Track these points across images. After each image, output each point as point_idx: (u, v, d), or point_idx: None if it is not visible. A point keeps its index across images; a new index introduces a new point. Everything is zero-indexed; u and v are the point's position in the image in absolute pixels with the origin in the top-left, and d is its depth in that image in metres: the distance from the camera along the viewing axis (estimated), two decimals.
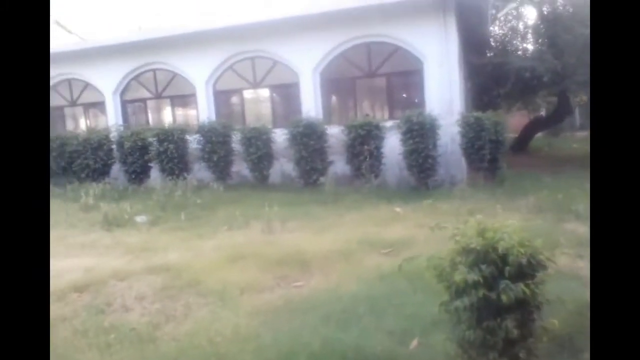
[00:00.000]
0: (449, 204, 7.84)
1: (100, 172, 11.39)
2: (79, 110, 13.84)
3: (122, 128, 11.60)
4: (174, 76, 12.54)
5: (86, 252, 5.54)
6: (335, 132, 9.89)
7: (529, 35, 17.33)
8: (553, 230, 5.51)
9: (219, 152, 10.32)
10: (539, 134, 20.69)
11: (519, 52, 16.49)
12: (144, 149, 10.81)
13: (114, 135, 11.39)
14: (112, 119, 12.83)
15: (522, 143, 18.29)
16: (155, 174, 11.03)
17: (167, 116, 13.04)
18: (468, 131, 9.08)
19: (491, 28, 17.36)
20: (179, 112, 13.16)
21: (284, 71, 11.51)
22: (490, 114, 9.42)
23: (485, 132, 9.00)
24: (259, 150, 10.03)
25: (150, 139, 10.77)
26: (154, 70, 12.69)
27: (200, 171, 10.91)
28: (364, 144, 9.31)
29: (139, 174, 11.03)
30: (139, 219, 7.66)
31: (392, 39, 10.57)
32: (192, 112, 12.79)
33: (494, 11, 16.19)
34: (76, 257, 5.24)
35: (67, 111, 13.87)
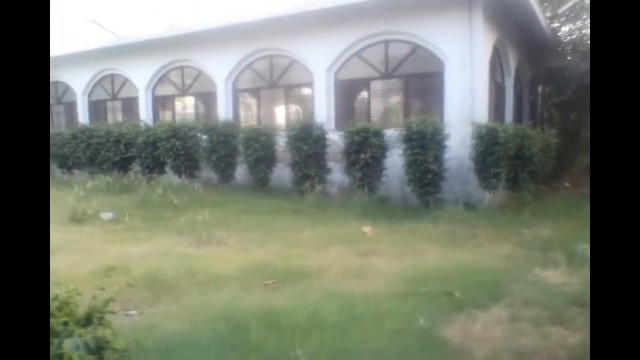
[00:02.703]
0: (435, 228, 6.70)
1: (120, 165, 11.70)
2: (118, 104, 14.42)
3: (142, 123, 11.78)
4: (199, 74, 12.52)
5: None
6: (338, 139, 9.09)
7: None
8: (497, 280, 4.33)
9: (219, 151, 10.01)
10: None
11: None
12: (154, 144, 10.85)
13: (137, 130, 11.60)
14: (143, 114, 13.15)
15: None
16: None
17: (192, 113, 13.06)
18: (479, 144, 7.78)
19: (565, 28, 15.26)
20: (201, 110, 13.14)
21: (299, 71, 10.92)
22: (510, 125, 7.98)
23: (500, 146, 7.63)
24: (256, 152, 9.53)
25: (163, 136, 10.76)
26: (181, 68, 12.79)
27: (209, 171, 10.70)
28: (360, 152, 8.40)
29: (151, 169, 11.11)
30: (105, 215, 7.54)
31: (411, 37, 9.48)
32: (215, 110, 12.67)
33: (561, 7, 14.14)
34: None
35: (109, 105, 14.54)
